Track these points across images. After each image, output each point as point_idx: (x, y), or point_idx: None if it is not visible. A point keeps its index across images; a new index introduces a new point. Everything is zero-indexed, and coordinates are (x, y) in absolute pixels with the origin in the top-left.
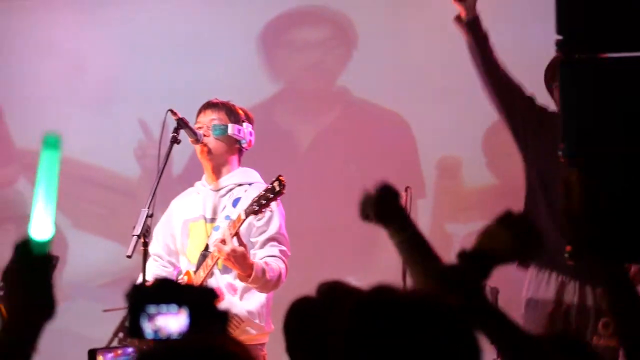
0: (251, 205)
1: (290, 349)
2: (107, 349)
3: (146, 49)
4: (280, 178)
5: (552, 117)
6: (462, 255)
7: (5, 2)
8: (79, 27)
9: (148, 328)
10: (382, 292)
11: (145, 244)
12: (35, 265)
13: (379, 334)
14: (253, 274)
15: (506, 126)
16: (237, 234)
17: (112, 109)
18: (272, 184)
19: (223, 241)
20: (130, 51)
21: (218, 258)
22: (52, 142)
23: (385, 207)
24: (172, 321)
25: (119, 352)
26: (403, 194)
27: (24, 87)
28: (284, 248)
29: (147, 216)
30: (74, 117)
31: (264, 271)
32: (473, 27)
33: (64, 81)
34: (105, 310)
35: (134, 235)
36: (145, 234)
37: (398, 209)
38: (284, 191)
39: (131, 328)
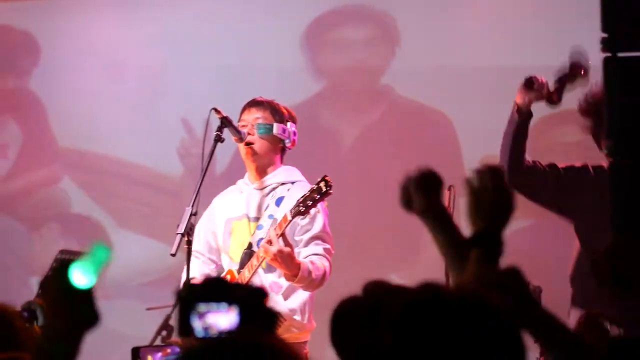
0: (297, 205)
1: (338, 348)
2: (155, 347)
3: (189, 47)
4: (326, 179)
5: (578, 174)
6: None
7: (47, 1)
8: (121, 26)
9: (198, 326)
10: (429, 291)
11: (189, 243)
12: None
13: (426, 333)
14: (299, 273)
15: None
16: (282, 234)
17: (155, 108)
18: (318, 184)
19: (269, 242)
20: (173, 49)
21: (264, 258)
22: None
23: (429, 194)
24: (222, 319)
25: (168, 350)
26: (446, 192)
27: (67, 86)
28: (328, 246)
29: (191, 214)
30: (116, 116)
31: (309, 270)
32: (524, 118)
33: (106, 80)
34: (148, 309)
35: (178, 234)
36: (189, 232)
37: (438, 197)
38: (331, 192)
39: (181, 326)
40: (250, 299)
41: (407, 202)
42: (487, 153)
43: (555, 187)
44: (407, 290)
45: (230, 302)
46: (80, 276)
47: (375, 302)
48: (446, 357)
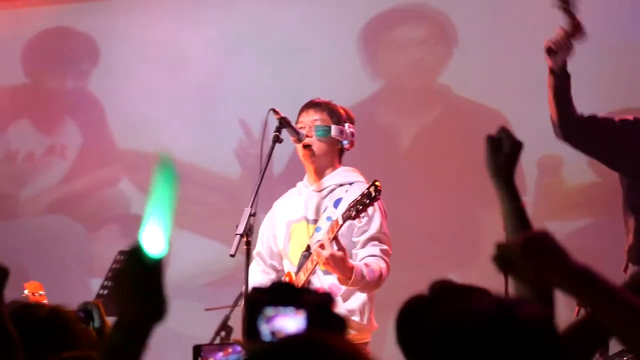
0: (348, 210)
1: (404, 348)
2: (215, 345)
3: (247, 48)
4: (376, 183)
5: (634, 126)
6: None
7: (106, 3)
8: (179, 28)
9: (265, 330)
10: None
11: (248, 243)
12: (148, 269)
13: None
14: (352, 277)
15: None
16: (335, 238)
17: (213, 109)
18: (368, 189)
19: (322, 246)
20: (231, 51)
21: (317, 262)
22: (167, 166)
23: (510, 162)
24: (289, 323)
25: (229, 350)
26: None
27: (126, 87)
28: (385, 247)
29: (249, 215)
30: (174, 117)
31: (363, 274)
32: (562, 79)
33: (164, 81)
34: (207, 309)
35: (237, 235)
36: (248, 233)
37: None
38: (379, 197)
39: (248, 329)
40: (317, 304)
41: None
42: (544, 153)
43: (609, 139)
44: (473, 292)
45: (298, 307)
46: (152, 245)
47: (441, 301)
48: None
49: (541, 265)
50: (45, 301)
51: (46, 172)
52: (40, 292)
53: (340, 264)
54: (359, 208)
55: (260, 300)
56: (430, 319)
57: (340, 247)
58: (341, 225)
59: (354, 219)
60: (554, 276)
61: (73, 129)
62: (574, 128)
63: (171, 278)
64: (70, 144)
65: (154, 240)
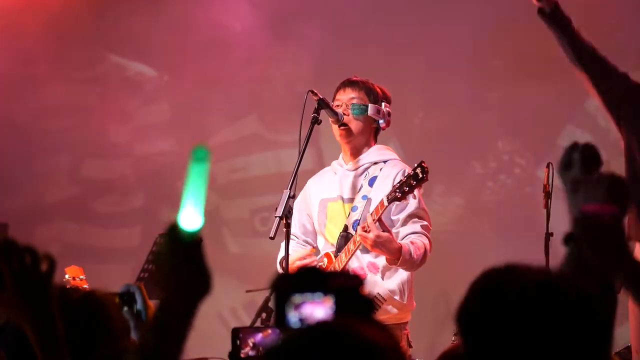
0: (394, 191)
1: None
2: (254, 328)
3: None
4: (423, 164)
5: None
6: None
7: None
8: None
9: (294, 317)
10: (510, 271)
11: (288, 225)
12: (187, 246)
13: (504, 314)
14: (401, 256)
15: (604, 108)
16: (380, 219)
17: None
18: (414, 170)
19: (366, 229)
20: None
21: (360, 243)
22: (201, 155)
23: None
24: (317, 309)
25: (269, 331)
26: (545, 169)
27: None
28: (425, 223)
29: (288, 197)
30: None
31: (410, 252)
32: (555, 17)
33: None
34: (248, 291)
35: (276, 217)
36: (287, 215)
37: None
38: (427, 178)
39: (277, 317)
40: (346, 288)
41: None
42: None
43: (621, 93)
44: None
45: (325, 292)
46: (189, 221)
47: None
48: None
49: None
50: (85, 286)
51: None
52: (81, 277)
53: (387, 245)
54: (404, 190)
55: (287, 287)
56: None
57: (386, 228)
58: (386, 207)
59: (399, 200)
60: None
61: None
62: (586, 61)
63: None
64: None
65: (191, 216)
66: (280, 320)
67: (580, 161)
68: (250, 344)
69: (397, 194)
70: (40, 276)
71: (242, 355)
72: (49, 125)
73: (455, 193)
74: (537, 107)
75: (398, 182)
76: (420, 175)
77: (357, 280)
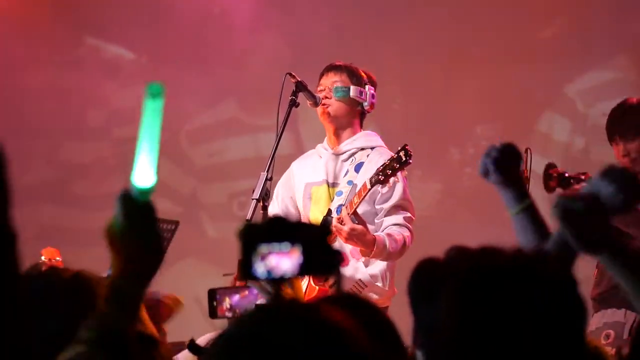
0: (377, 174)
1: (414, 310)
2: (231, 288)
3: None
4: (406, 147)
5: None
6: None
7: None
8: None
9: (260, 268)
10: (487, 255)
11: (265, 208)
12: (140, 210)
13: (484, 300)
14: (374, 249)
15: None
16: (355, 212)
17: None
18: (397, 153)
19: (341, 220)
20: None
21: (335, 237)
22: (155, 91)
23: (507, 167)
24: (284, 260)
25: (246, 292)
26: (524, 154)
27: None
28: (408, 215)
29: (266, 180)
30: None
31: (385, 244)
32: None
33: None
34: (225, 275)
35: (253, 199)
36: (265, 197)
37: (518, 173)
38: (410, 161)
39: (243, 269)
40: (313, 238)
41: (486, 174)
42: None
43: None
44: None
45: (293, 242)
46: (141, 177)
47: (453, 265)
48: (506, 328)
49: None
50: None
51: None
52: (57, 259)
53: (361, 237)
54: (387, 172)
55: (253, 237)
56: (450, 277)
57: (361, 221)
58: (369, 190)
59: (383, 183)
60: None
61: None
62: None
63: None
64: None
65: (144, 171)
66: (247, 272)
67: (495, 164)
68: (227, 306)
69: (380, 176)
70: None
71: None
72: (26, 108)
73: (433, 179)
74: (515, 93)
75: (381, 165)
76: (404, 159)
77: (325, 230)
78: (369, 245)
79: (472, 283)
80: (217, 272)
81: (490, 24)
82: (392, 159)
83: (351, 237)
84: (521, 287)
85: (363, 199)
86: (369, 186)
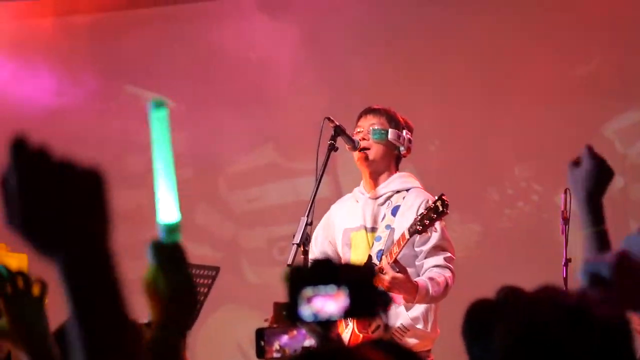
0: (414, 224)
1: (469, 350)
2: (279, 328)
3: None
4: (443, 197)
5: None
6: None
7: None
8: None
9: (307, 310)
10: (545, 297)
11: (306, 253)
12: (171, 258)
13: (541, 341)
14: (417, 296)
15: None
16: (395, 260)
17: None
18: (435, 203)
19: (382, 270)
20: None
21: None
22: (159, 102)
23: (599, 186)
24: (329, 303)
25: (294, 333)
26: (562, 195)
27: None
28: (449, 254)
29: (306, 224)
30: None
31: (427, 289)
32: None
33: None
34: (266, 320)
35: (293, 244)
36: (305, 242)
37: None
38: (447, 211)
39: (289, 311)
40: (359, 279)
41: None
42: None
43: None
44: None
45: (338, 284)
46: (165, 211)
47: (507, 306)
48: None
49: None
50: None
51: None
52: None
53: (403, 286)
54: (425, 223)
55: (299, 280)
56: (502, 322)
57: (401, 268)
58: (408, 240)
59: (420, 233)
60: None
61: None
62: None
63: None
64: None
65: (166, 204)
66: (293, 315)
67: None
68: (277, 347)
69: (418, 226)
70: (33, 300)
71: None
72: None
73: (472, 220)
74: (553, 132)
75: (419, 215)
76: (441, 209)
77: (370, 272)
78: (411, 292)
79: (530, 324)
80: (258, 317)
81: (526, 62)
82: (429, 209)
83: (393, 285)
84: (579, 330)
85: (402, 248)
86: (407, 236)
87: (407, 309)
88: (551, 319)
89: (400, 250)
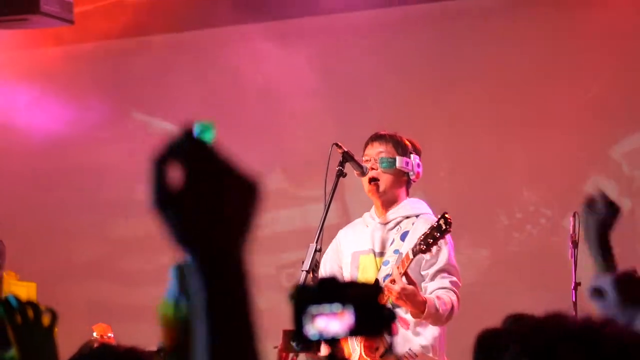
0: (418, 244)
1: None
2: None
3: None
4: (445, 216)
5: None
6: None
7: None
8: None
9: (311, 330)
10: (552, 321)
11: (315, 279)
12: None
13: None
14: (426, 310)
15: None
16: (406, 272)
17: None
18: (438, 222)
19: (392, 281)
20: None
21: (388, 297)
22: (205, 129)
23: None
24: (333, 322)
25: None
26: (571, 219)
27: None
28: (454, 279)
29: (315, 251)
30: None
31: (436, 306)
32: None
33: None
34: (275, 347)
35: (302, 271)
36: (314, 268)
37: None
38: (450, 229)
39: (295, 331)
40: (364, 298)
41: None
42: None
43: None
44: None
45: (343, 302)
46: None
47: (515, 334)
48: None
49: None
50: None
51: None
52: (109, 334)
53: (412, 298)
54: (429, 242)
55: (305, 299)
56: (510, 350)
57: (411, 281)
58: (412, 260)
59: (424, 252)
60: None
61: None
62: None
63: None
64: None
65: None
66: (298, 334)
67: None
68: None
69: (422, 246)
70: (43, 330)
71: None
72: (76, 184)
73: (481, 244)
74: (561, 156)
75: (422, 235)
76: (444, 227)
77: (375, 290)
78: (419, 306)
79: (538, 348)
80: (267, 344)
81: (533, 87)
82: (432, 228)
83: (402, 296)
84: (587, 352)
85: (407, 268)
86: (411, 256)
87: (417, 335)
88: (560, 343)
89: (405, 272)
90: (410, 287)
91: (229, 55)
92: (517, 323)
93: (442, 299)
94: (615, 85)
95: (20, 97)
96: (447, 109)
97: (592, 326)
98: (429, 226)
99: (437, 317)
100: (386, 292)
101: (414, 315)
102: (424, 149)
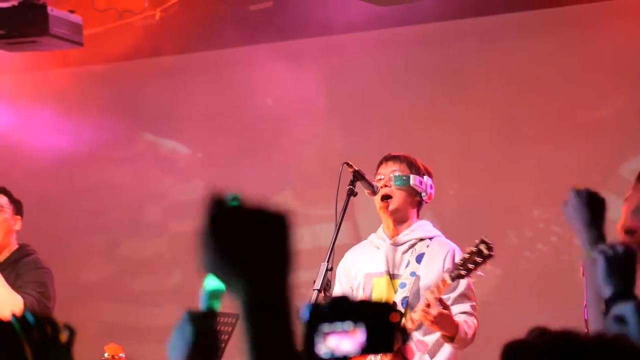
0: (456, 269)
1: None
2: None
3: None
4: (486, 241)
5: None
6: None
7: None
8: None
9: (323, 348)
10: (571, 335)
11: (327, 298)
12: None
13: None
14: (457, 334)
15: None
16: (440, 299)
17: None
18: (477, 247)
19: (428, 305)
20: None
21: (420, 322)
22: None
23: (595, 214)
24: (344, 341)
25: None
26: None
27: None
28: (474, 303)
29: (326, 270)
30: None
31: (465, 331)
32: None
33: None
34: None
35: (314, 290)
36: (326, 287)
37: (599, 217)
38: (493, 254)
39: (306, 349)
40: (376, 316)
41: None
42: None
43: None
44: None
45: (355, 321)
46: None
47: (540, 346)
48: None
49: None
50: None
51: None
52: (121, 355)
53: (447, 322)
54: (469, 267)
55: (317, 317)
56: (537, 356)
57: (446, 306)
58: (449, 285)
59: (464, 277)
60: None
61: None
62: None
63: None
64: None
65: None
66: (310, 353)
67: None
68: None
69: (462, 271)
70: (61, 346)
71: None
72: (84, 205)
73: (491, 263)
74: (570, 174)
75: (461, 259)
76: (485, 252)
77: (387, 308)
78: (451, 330)
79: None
80: None
81: (542, 106)
82: (472, 253)
83: (438, 321)
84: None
85: (443, 292)
86: (449, 281)
87: (432, 356)
88: (586, 350)
89: (441, 295)
90: (446, 312)
91: (238, 76)
92: (541, 336)
93: (467, 323)
94: (625, 103)
95: (29, 118)
96: (457, 128)
97: (608, 340)
98: (445, 251)
99: (465, 341)
100: (418, 317)
101: (445, 340)
102: (433, 168)
